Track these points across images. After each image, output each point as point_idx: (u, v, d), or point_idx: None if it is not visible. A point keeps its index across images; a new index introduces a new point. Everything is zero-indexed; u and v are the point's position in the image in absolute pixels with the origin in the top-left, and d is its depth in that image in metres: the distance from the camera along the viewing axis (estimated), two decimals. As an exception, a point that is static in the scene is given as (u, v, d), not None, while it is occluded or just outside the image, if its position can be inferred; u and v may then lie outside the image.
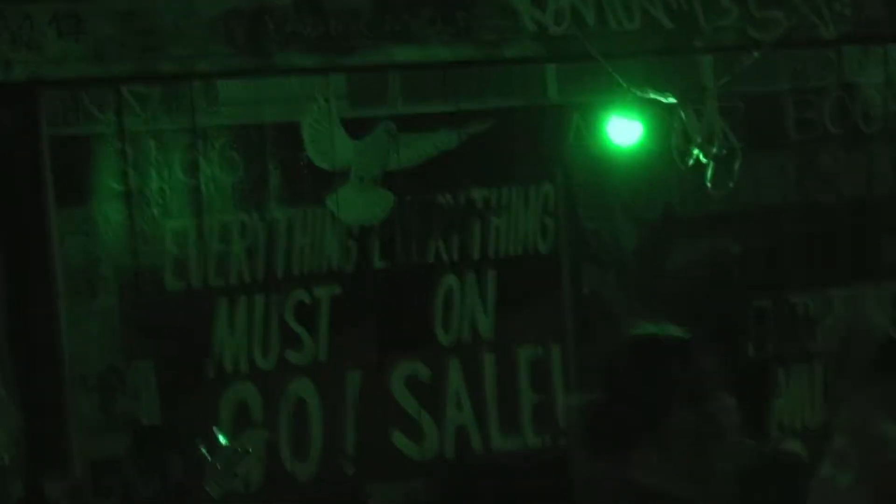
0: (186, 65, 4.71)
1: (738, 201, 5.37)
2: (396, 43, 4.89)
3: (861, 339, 4.78)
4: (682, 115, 5.19)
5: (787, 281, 5.40)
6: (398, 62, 4.94)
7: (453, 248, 5.26)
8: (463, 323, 5.24)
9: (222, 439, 4.57)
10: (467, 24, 4.94)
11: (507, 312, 5.31)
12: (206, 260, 5.05)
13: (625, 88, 5.04)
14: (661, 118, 5.22)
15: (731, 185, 5.22)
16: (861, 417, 4.35)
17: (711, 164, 5.19)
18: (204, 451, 4.52)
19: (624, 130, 5.18)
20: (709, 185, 5.20)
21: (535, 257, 5.36)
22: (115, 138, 4.86)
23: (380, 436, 5.06)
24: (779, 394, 5.36)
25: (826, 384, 5.42)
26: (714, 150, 5.20)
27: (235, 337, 5.07)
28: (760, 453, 5.00)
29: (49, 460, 4.68)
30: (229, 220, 5.06)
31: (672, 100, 5.15)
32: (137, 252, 4.90)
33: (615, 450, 2.74)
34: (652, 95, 5.11)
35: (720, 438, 2.69)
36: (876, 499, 3.68)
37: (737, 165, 5.26)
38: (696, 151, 5.18)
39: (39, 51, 4.52)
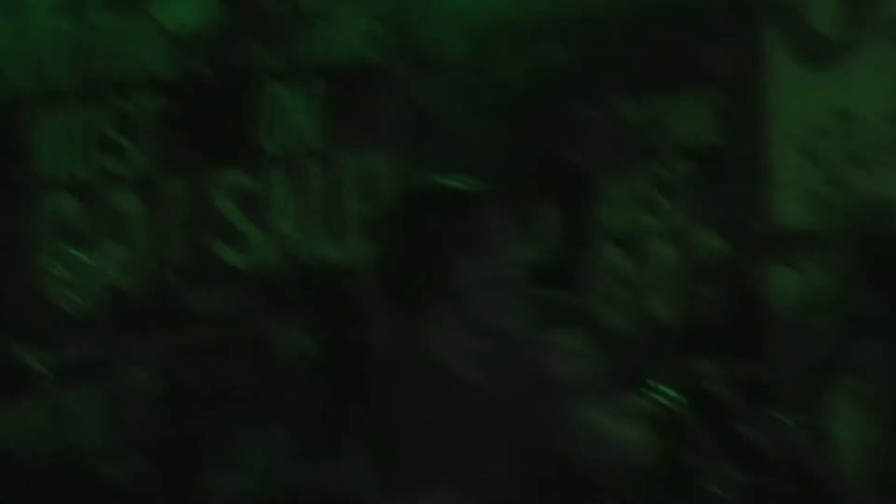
0: None
1: (568, 7, 5.35)
2: None
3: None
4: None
5: (614, 89, 5.41)
6: None
7: (280, 55, 5.17)
8: (289, 132, 5.17)
9: (74, 253, 4.53)
10: None
11: (335, 121, 5.25)
12: (24, 66, 4.93)
13: None
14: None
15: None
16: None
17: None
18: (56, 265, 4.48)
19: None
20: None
21: (364, 65, 5.29)
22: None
23: (203, 246, 5.01)
24: (602, 200, 5.42)
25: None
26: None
27: (54, 146, 4.97)
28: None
29: None
30: (48, 25, 4.93)
31: None
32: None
33: (405, 306, 2.68)
34: None
35: (508, 291, 2.64)
36: None
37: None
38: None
39: None
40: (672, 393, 4.27)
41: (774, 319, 4.89)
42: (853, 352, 3.51)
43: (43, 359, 4.59)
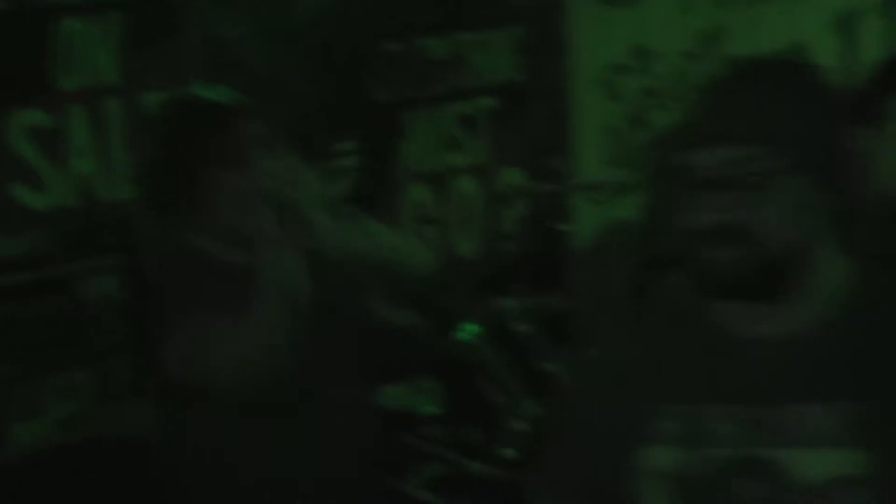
0: None
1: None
2: None
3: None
4: None
5: (416, 24, 5.41)
6: None
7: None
8: (85, 68, 5.04)
9: None
10: None
11: (133, 57, 5.14)
12: None
13: None
14: None
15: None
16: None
17: None
18: None
19: None
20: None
21: (161, -1, 5.18)
22: None
23: (0, 188, 4.87)
24: (406, 137, 5.43)
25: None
26: None
27: None
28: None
29: None
30: None
31: None
32: None
33: (167, 209, 2.78)
34: None
35: (264, 201, 2.70)
36: None
37: None
38: None
39: None
40: (475, 329, 4.33)
41: (576, 255, 4.97)
42: (652, 286, 3.58)
43: None
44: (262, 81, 5.03)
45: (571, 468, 2.06)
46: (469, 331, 4.35)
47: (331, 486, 2.76)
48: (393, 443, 3.96)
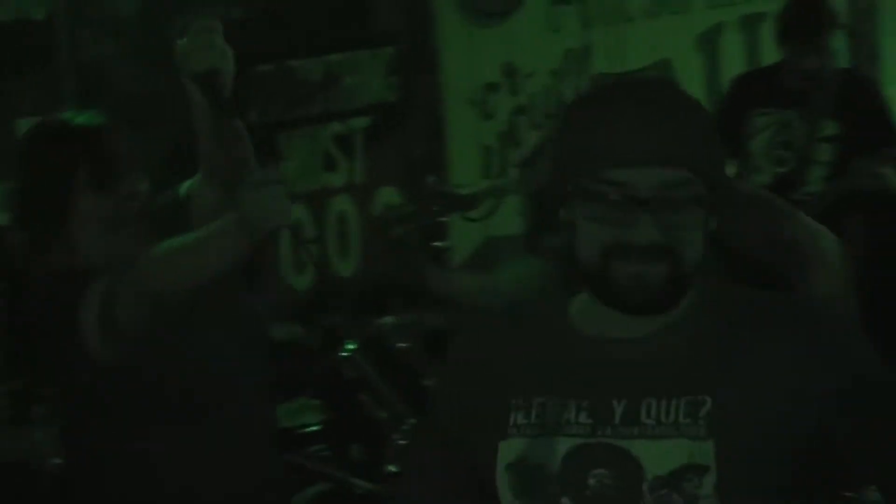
0: None
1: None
2: None
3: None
4: None
5: (289, 46, 5.44)
6: None
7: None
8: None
9: None
10: None
11: (4, 81, 5.10)
12: None
13: None
14: None
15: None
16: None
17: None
18: None
19: None
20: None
21: (28, 22, 5.14)
22: None
23: None
24: (282, 158, 5.44)
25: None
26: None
27: None
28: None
29: None
30: None
31: None
32: None
33: (38, 234, 2.78)
34: None
35: (129, 223, 2.73)
36: None
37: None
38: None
39: None
40: (354, 346, 4.35)
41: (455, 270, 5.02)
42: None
43: None
44: (136, 104, 5.01)
45: (432, 470, 2.12)
46: (349, 348, 4.37)
47: (231, 500, 2.76)
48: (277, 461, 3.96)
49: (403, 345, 4.48)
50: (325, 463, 4.27)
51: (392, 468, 4.14)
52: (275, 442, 2.96)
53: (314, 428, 4.40)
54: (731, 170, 5.45)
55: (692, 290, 1.97)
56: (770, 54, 5.38)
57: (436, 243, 4.87)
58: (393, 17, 5.60)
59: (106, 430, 2.73)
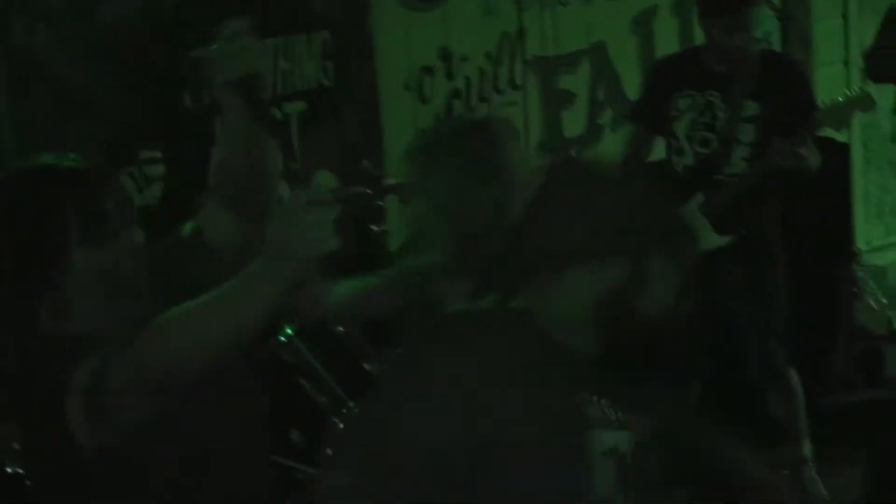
0: None
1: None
2: None
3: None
4: None
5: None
6: None
7: None
8: None
9: None
10: None
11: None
12: None
13: None
14: None
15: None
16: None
17: None
18: None
19: None
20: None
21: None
22: None
23: None
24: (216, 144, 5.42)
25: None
26: None
27: None
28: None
29: None
30: None
31: None
32: None
33: (18, 294, 2.43)
34: None
35: (129, 279, 2.43)
36: None
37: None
38: None
39: None
40: (292, 330, 4.35)
41: (391, 254, 5.03)
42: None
43: None
44: (69, 92, 4.97)
45: (376, 464, 2.14)
46: (287, 333, 4.36)
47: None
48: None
49: (342, 329, 4.48)
50: (264, 448, 4.26)
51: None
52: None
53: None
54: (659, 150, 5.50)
55: None
56: (703, 37, 5.41)
57: (373, 227, 4.88)
58: (328, 1, 5.59)
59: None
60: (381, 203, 5.14)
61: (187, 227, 2.62)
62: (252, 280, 2.15)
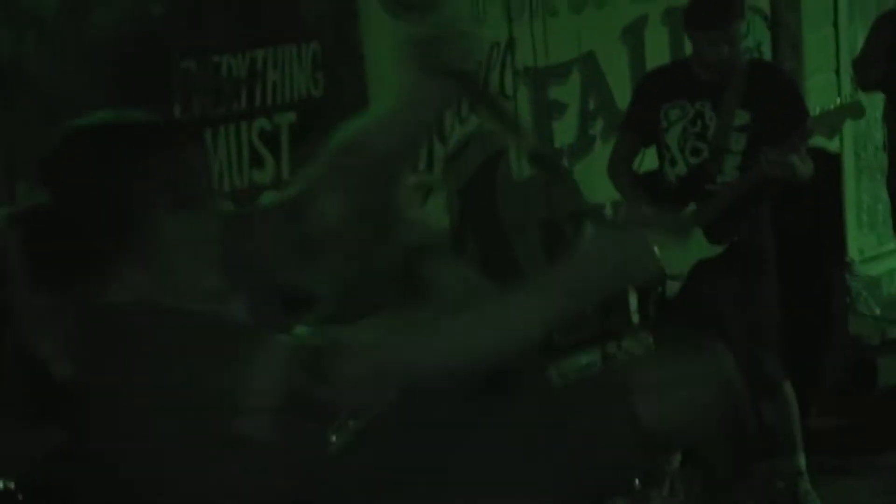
0: None
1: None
2: None
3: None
4: None
5: (212, 41, 5.38)
6: None
7: None
8: None
9: None
10: None
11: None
12: None
13: None
14: None
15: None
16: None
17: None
18: None
19: None
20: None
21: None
22: None
23: None
24: (207, 155, 5.39)
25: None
26: None
27: None
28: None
29: None
30: None
31: None
32: None
33: (71, 269, 2.18)
34: None
35: (216, 245, 2.20)
36: None
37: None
38: None
39: None
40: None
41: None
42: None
43: None
44: (53, 100, 4.94)
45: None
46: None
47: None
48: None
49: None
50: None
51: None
52: None
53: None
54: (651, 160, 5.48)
55: None
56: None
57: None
58: (317, 11, 5.57)
59: None
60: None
61: (267, 197, 2.50)
62: (543, 290, 2.09)
